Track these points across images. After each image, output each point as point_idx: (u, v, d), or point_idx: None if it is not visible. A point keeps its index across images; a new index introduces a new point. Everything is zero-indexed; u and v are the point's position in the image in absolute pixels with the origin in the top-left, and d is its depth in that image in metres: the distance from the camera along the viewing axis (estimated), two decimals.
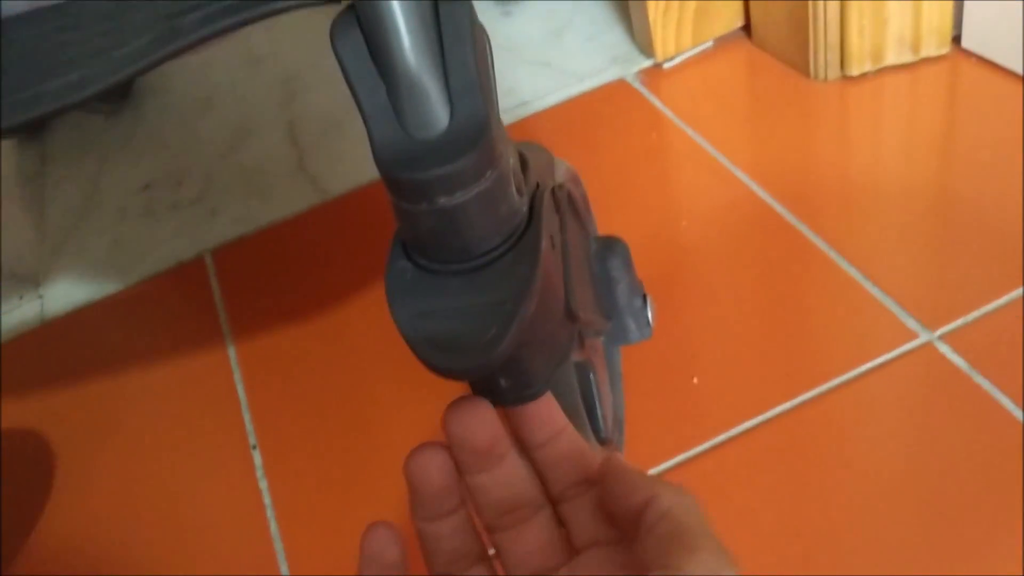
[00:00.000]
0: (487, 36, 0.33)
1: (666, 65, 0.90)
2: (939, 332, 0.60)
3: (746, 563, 0.52)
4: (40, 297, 0.87)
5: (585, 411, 0.50)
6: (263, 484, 0.65)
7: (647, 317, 0.54)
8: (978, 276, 0.63)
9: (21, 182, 1.03)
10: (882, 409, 0.57)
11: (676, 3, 0.85)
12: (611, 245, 0.53)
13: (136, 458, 0.70)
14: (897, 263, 0.65)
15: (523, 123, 0.88)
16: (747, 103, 0.84)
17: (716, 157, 0.78)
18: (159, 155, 1.02)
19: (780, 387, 0.60)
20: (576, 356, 0.52)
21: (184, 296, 0.83)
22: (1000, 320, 0.60)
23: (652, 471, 0.58)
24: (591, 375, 0.54)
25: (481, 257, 0.33)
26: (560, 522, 0.35)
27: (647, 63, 0.91)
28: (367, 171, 0.89)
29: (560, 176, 0.52)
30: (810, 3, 0.77)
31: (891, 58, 0.80)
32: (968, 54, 0.79)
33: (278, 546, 0.61)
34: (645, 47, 0.91)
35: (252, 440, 0.68)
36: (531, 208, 0.36)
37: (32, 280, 0.89)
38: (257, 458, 0.67)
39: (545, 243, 0.35)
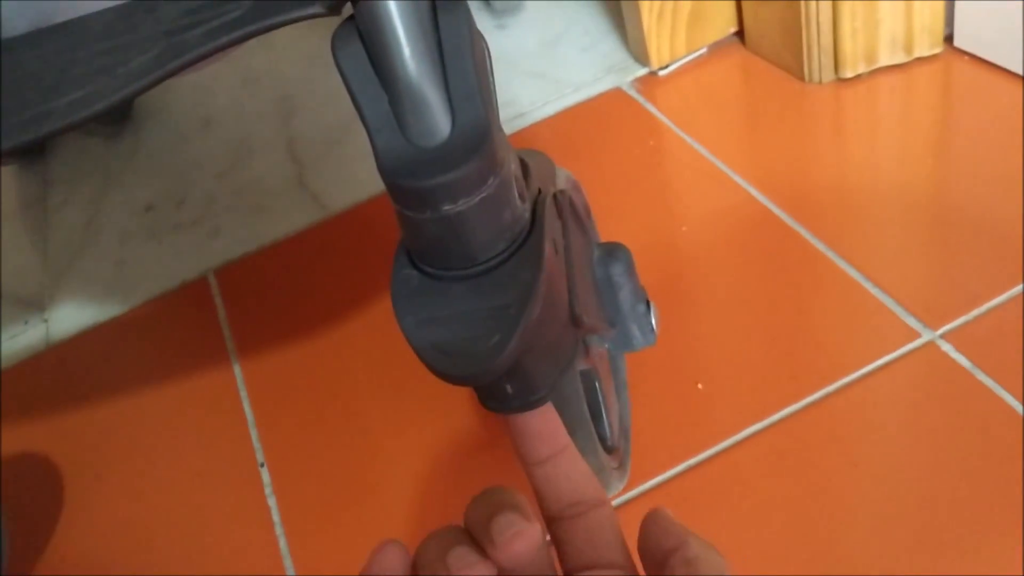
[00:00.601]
0: (486, 44, 0.34)
1: (661, 73, 0.90)
2: (941, 331, 0.60)
3: (756, 567, 0.52)
4: (45, 321, 0.87)
5: (591, 419, 0.50)
6: (272, 501, 0.65)
7: (651, 323, 0.54)
8: (978, 274, 0.63)
9: (23, 207, 1.04)
10: (887, 409, 0.57)
11: (669, 10, 0.86)
12: (614, 251, 0.53)
13: (145, 479, 0.70)
14: (897, 263, 0.66)
15: (521, 134, 0.89)
16: (743, 108, 0.85)
17: (714, 162, 0.79)
18: (160, 176, 1.02)
19: (784, 390, 0.60)
20: (582, 364, 0.53)
21: (189, 316, 0.84)
22: (1001, 317, 0.60)
23: (659, 478, 0.58)
24: (597, 383, 0.54)
25: (485, 263, 0.34)
26: (552, 542, 0.34)
27: (642, 71, 0.91)
28: (368, 186, 0.89)
29: (561, 184, 0.52)
30: (802, 6, 0.77)
31: (884, 59, 0.80)
32: (961, 53, 0.79)
33: (287, 563, 0.61)
34: (640, 55, 0.92)
35: (260, 458, 0.68)
36: (533, 213, 0.36)
37: (37, 304, 0.90)
38: (265, 476, 0.67)
39: (548, 248, 0.35)
